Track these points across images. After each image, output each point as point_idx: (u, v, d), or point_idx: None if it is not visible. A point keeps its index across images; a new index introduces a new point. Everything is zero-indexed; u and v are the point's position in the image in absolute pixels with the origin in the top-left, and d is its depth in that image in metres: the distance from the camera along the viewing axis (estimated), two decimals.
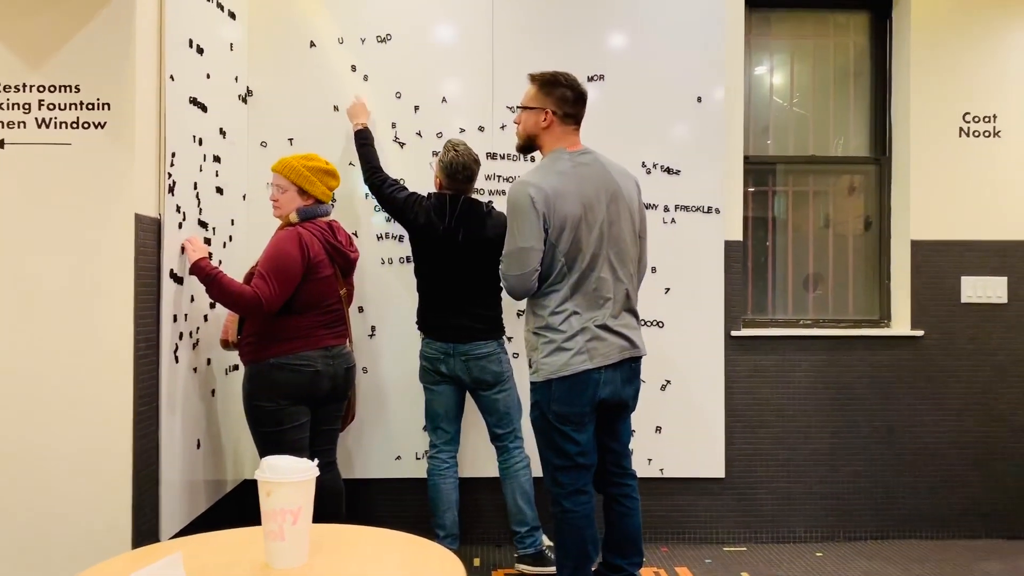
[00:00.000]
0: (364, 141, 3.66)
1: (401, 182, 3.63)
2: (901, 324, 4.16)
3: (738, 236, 4.04)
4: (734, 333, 4.03)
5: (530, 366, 2.85)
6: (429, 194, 3.52)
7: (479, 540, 3.96)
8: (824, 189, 4.38)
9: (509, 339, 3.73)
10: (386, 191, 3.53)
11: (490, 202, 3.56)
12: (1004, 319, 4.12)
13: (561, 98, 2.84)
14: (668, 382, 3.98)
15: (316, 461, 1.62)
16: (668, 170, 3.96)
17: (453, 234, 3.39)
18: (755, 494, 4.06)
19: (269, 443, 3.00)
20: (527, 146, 2.95)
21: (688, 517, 4.03)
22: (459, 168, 3.43)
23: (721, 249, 4.00)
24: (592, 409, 2.78)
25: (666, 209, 3.98)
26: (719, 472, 4.02)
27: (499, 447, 3.58)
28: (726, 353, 4.02)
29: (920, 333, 4.09)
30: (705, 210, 3.99)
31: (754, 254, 4.31)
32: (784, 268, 4.34)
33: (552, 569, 3.45)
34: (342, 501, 3.28)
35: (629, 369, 2.88)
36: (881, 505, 4.10)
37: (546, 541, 3.58)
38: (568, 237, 2.74)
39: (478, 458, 3.93)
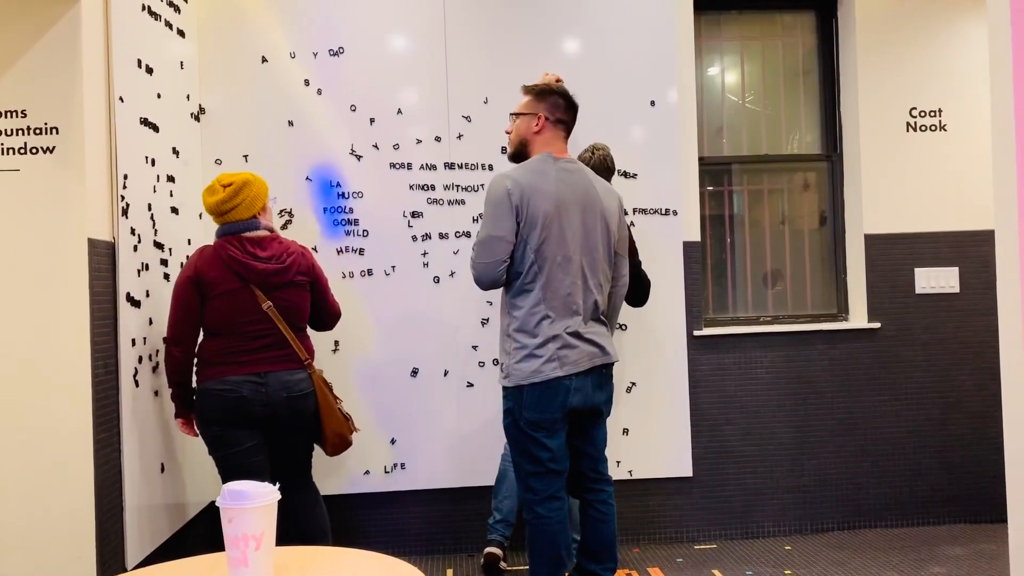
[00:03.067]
0: None
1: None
2: (858, 317, 4.24)
3: (696, 236, 4.09)
4: (696, 333, 4.07)
5: (501, 370, 2.86)
6: None
7: (452, 551, 3.96)
8: (779, 187, 4.45)
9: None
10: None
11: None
12: (958, 308, 4.22)
13: (553, 104, 2.92)
14: (633, 384, 4.01)
15: (277, 485, 1.61)
16: (625, 174, 4.00)
17: None
18: (723, 491, 4.11)
19: (221, 467, 2.96)
20: (518, 153, 2.98)
21: (658, 517, 4.07)
22: (595, 167, 3.42)
23: (680, 250, 4.04)
24: (564, 416, 2.79)
25: (624, 212, 4.00)
26: (687, 471, 4.06)
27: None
28: (689, 353, 4.06)
29: (877, 325, 4.17)
30: (663, 212, 4.03)
31: (713, 253, 4.37)
32: (743, 266, 4.40)
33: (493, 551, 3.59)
34: (324, 520, 3.14)
35: (600, 375, 2.89)
36: (846, 496, 4.17)
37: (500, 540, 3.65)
38: (539, 235, 2.75)
39: (447, 468, 3.93)
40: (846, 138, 4.32)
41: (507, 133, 3.04)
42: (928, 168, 4.20)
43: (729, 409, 4.12)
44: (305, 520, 3.10)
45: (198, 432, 3.02)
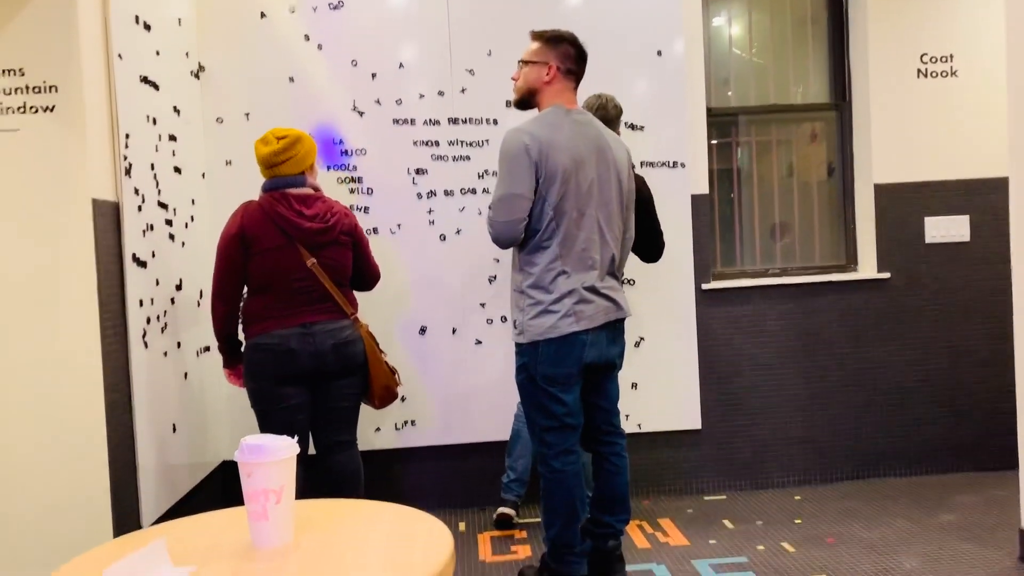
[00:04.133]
0: None
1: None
2: (867, 268, 4.22)
3: (704, 189, 4.05)
4: (704, 286, 4.05)
5: (514, 327, 2.83)
6: None
7: (463, 505, 3.99)
8: (787, 138, 4.40)
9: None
10: None
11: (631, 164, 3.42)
12: (967, 257, 4.19)
13: (564, 54, 2.84)
14: (642, 339, 4.00)
15: (296, 439, 1.60)
16: (632, 126, 3.94)
17: None
18: (732, 443, 4.12)
19: (264, 422, 2.97)
20: (524, 101, 2.90)
21: (668, 470, 4.09)
22: (596, 109, 3.37)
23: (688, 203, 4.00)
24: (579, 370, 2.78)
25: (632, 166, 3.95)
26: (696, 424, 4.06)
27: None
28: (697, 306, 4.04)
29: (886, 275, 4.14)
30: (671, 165, 3.98)
31: (720, 206, 4.33)
32: (750, 219, 4.36)
33: (505, 511, 3.65)
34: (359, 482, 3.15)
35: (613, 330, 2.88)
36: (856, 447, 4.18)
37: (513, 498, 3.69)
38: (559, 190, 2.70)
39: (457, 424, 3.94)
40: (855, 86, 4.26)
41: (513, 80, 2.93)
42: (939, 115, 4.13)
43: (738, 362, 4.11)
44: (344, 484, 3.09)
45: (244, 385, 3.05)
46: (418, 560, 1.50)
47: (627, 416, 3.98)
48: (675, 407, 4.05)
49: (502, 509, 3.62)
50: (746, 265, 4.35)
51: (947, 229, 4.16)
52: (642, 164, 3.95)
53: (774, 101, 4.35)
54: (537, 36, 2.89)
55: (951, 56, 4.12)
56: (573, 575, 2.84)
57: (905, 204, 4.15)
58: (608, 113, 3.41)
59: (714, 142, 4.29)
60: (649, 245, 3.46)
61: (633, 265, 3.95)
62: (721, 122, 4.31)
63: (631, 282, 3.97)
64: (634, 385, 3.99)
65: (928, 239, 4.16)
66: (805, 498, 3.97)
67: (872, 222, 4.16)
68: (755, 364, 4.12)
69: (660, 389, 4.02)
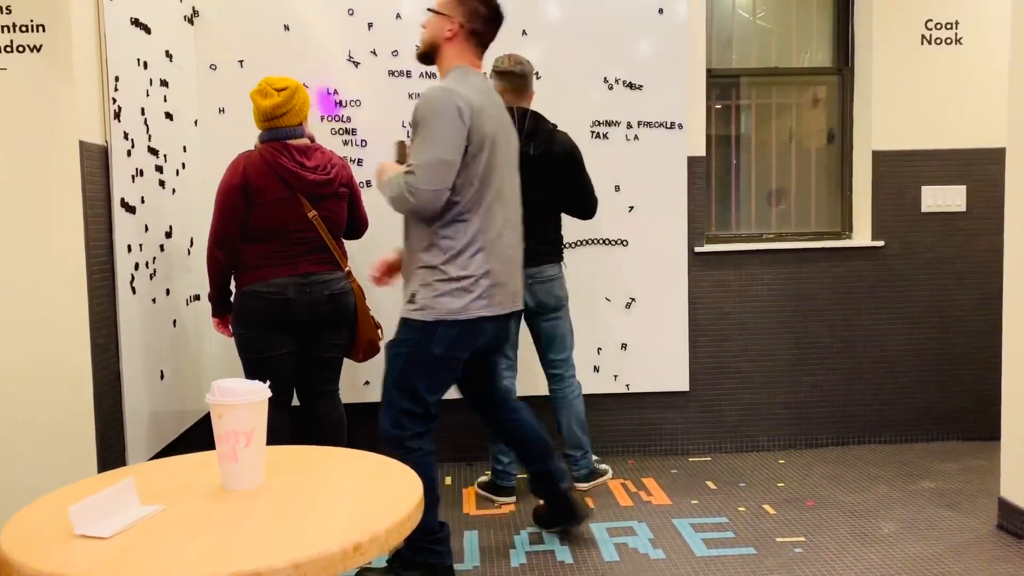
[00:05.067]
0: None
1: None
2: (862, 235, 4.20)
3: (701, 152, 4.02)
4: (697, 249, 4.04)
5: (412, 301, 2.58)
6: None
7: (449, 459, 4.02)
8: (787, 102, 4.35)
9: (565, 266, 3.58)
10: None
11: (554, 124, 3.39)
12: (963, 227, 4.17)
13: (472, 11, 2.59)
14: (633, 300, 4.00)
15: (268, 383, 1.60)
16: (631, 85, 3.90)
17: (524, 149, 3.12)
18: (719, 406, 4.14)
19: (251, 370, 3.01)
20: (426, 54, 2.67)
21: (654, 430, 4.11)
22: (504, 61, 3.31)
23: (684, 165, 3.98)
24: (468, 357, 2.66)
25: (628, 126, 3.94)
26: (684, 386, 4.08)
27: (554, 375, 3.53)
28: (689, 269, 4.04)
29: (880, 244, 4.13)
30: (668, 126, 3.95)
31: (717, 169, 4.30)
32: (748, 183, 4.34)
33: (606, 477, 3.64)
34: (342, 430, 3.21)
35: (516, 320, 2.86)
36: (842, 413, 4.20)
37: (594, 458, 3.66)
38: (484, 160, 2.53)
39: None
40: (858, 51, 4.20)
41: (422, 28, 2.68)
42: (941, 83, 4.08)
43: (728, 326, 4.12)
44: (329, 431, 3.16)
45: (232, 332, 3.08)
46: (388, 506, 1.51)
47: (615, 376, 4.01)
48: (664, 368, 4.06)
49: (503, 500, 3.52)
50: (741, 229, 4.33)
51: (943, 198, 4.14)
52: (639, 123, 3.92)
53: (776, 64, 4.29)
54: None
55: (956, 23, 4.06)
56: (444, 564, 2.68)
57: (903, 172, 4.12)
58: (525, 68, 3.35)
59: (715, 105, 4.24)
60: (583, 203, 3.47)
61: (628, 226, 3.96)
62: (722, 83, 4.26)
63: (624, 243, 3.96)
64: (623, 346, 4.00)
65: (924, 208, 4.14)
66: (789, 462, 4.00)
67: (869, 189, 4.14)
68: (745, 328, 4.13)
69: (649, 350, 4.03)
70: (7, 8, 2.60)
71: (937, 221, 4.15)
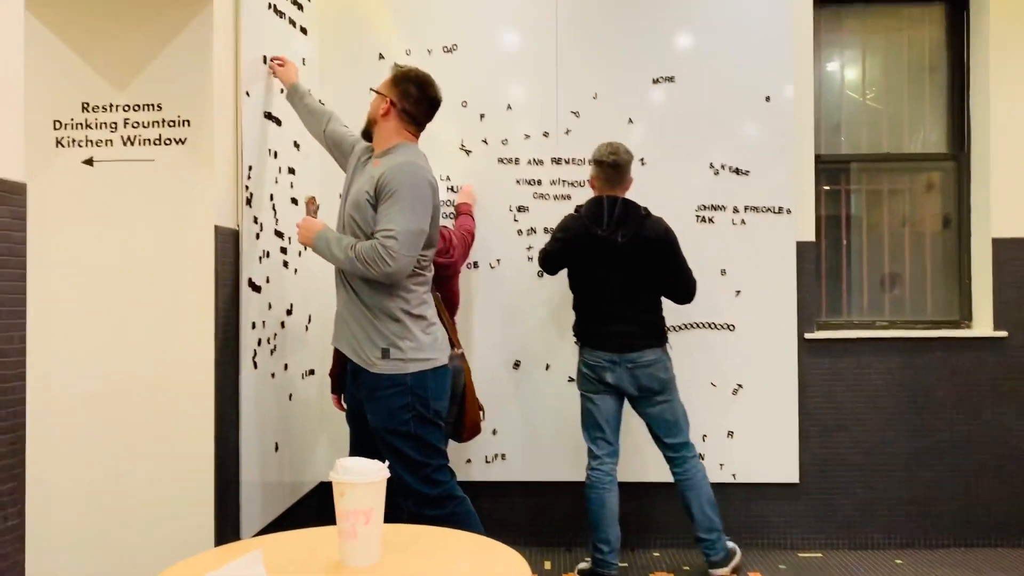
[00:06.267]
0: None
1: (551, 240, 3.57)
2: (983, 325, 4.02)
3: (810, 236, 3.97)
4: (808, 336, 3.96)
5: (384, 356, 2.66)
6: (578, 206, 3.50)
7: (548, 543, 3.98)
8: (900, 187, 4.27)
9: (671, 347, 3.57)
10: (545, 250, 3.57)
11: (646, 208, 3.45)
12: None
13: (404, 92, 2.79)
14: (740, 386, 3.93)
15: (387, 463, 1.66)
16: (737, 170, 3.92)
17: (612, 236, 3.33)
18: (831, 499, 3.98)
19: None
20: (366, 130, 2.89)
21: (762, 523, 3.97)
22: (606, 153, 3.40)
23: (793, 250, 3.93)
24: None
25: (735, 210, 3.94)
26: (793, 477, 3.95)
27: (673, 458, 3.47)
28: (800, 356, 3.95)
29: (1004, 334, 3.94)
30: (776, 210, 3.93)
31: (828, 254, 4.23)
32: (859, 268, 4.25)
33: (739, 555, 3.55)
34: None
35: None
36: (964, 513, 3.97)
37: (728, 541, 3.57)
38: (434, 231, 2.75)
39: (546, 461, 3.95)
40: (975, 136, 4.11)
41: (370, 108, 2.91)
42: None
43: (840, 415, 3.98)
44: None
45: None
46: None
47: (721, 465, 3.92)
48: (772, 458, 3.95)
49: None
50: (852, 316, 4.22)
51: None
52: (745, 208, 3.92)
53: (887, 149, 4.24)
54: (392, 70, 2.89)
55: None
56: None
57: None
58: (620, 159, 3.41)
59: (824, 189, 4.21)
60: (678, 287, 3.47)
61: (734, 310, 3.92)
62: (831, 169, 4.23)
63: (731, 327, 3.92)
64: (730, 433, 3.92)
65: None
66: (907, 562, 3.79)
67: (989, 277, 3.98)
68: (858, 419, 3.98)
69: (757, 439, 3.93)
70: (158, 105, 2.85)
71: None
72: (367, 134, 2.89)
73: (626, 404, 3.52)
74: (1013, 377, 3.95)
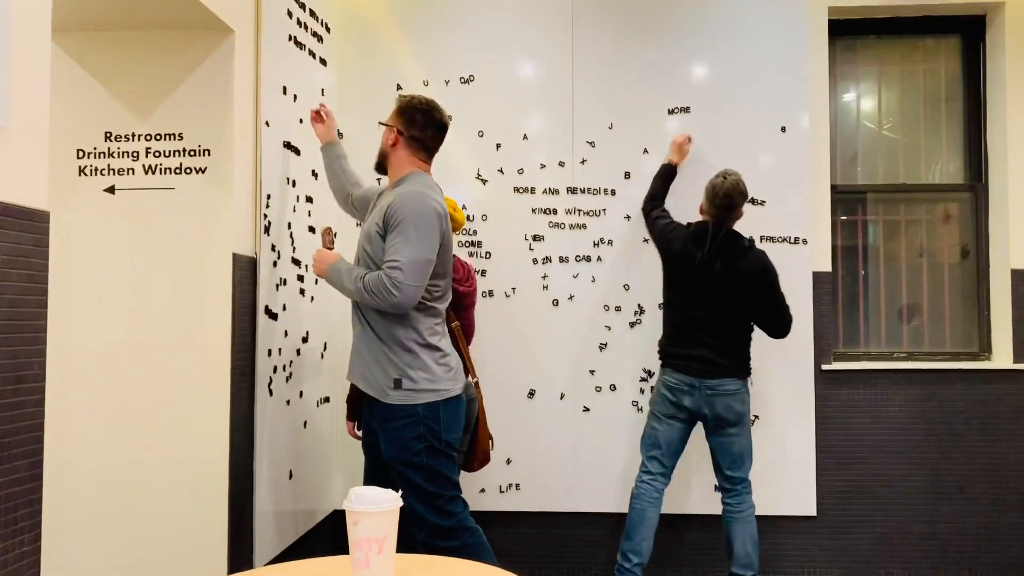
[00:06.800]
0: (664, 174, 3.80)
1: (667, 213, 3.70)
2: (1003, 357, 3.98)
3: (827, 267, 3.96)
4: (824, 367, 3.93)
5: (396, 387, 2.65)
6: (689, 223, 3.56)
7: (564, 574, 3.94)
8: (917, 218, 4.26)
9: (752, 383, 3.57)
10: (653, 215, 3.68)
11: (751, 239, 3.49)
12: None
13: (410, 120, 2.82)
14: (756, 417, 3.90)
15: (400, 492, 1.66)
16: (753, 200, 3.92)
17: (710, 263, 3.36)
18: (849, 533, 3.93)
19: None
20: (378, 163, 2.93)
21: (779, 555, 3.92)
22: (720, 194, 3.40)
23: (809, 280, 3.92)
24: None
25: (751, 240, 3.93)
26: (811, 510, 3.90)
27: (729, 490, 3.46)
28: (816, 387, 3.92)
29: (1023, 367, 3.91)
30: (792, 240, 3.93)
31: (845, 285, 4.21)
32: (876, 299, 4.22)
33: None
34: None
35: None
36: (985, 548, 3.90)
37: None
38: (445, 259, 2.75)
39: (561, 491, 3.93)
40: (992, 167, 4.10)
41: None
42: None
43: (858, 448, 3.94)
44: None
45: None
46: None
47: None
48: (790, 491, 3.90)
49: None
50: (870, 347, 4.19)
51: None
52: (762, 238, 3.91)
53: (904, 179, 4.23)
54: (396, 101, 2.91)
55: None
56: None
57: None
58: (735, 201, 3.41)
59: (841, 219, 4.20)
60: (772, 321, 3.47)
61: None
62: (847, 199, 4.22)
63: None
64: None
65: None
66: None
67: (1008, 309, 3.95)
68: (877, 451, 3.94)
69: (774, 471, 3.89)
70: (179, 135, 2.90)
71: None
72: (380, 167, 2.93)
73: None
74: None
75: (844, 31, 4.19)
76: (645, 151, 3.96)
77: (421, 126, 2.82)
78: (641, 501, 3.46)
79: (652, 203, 3.73)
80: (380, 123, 2.93)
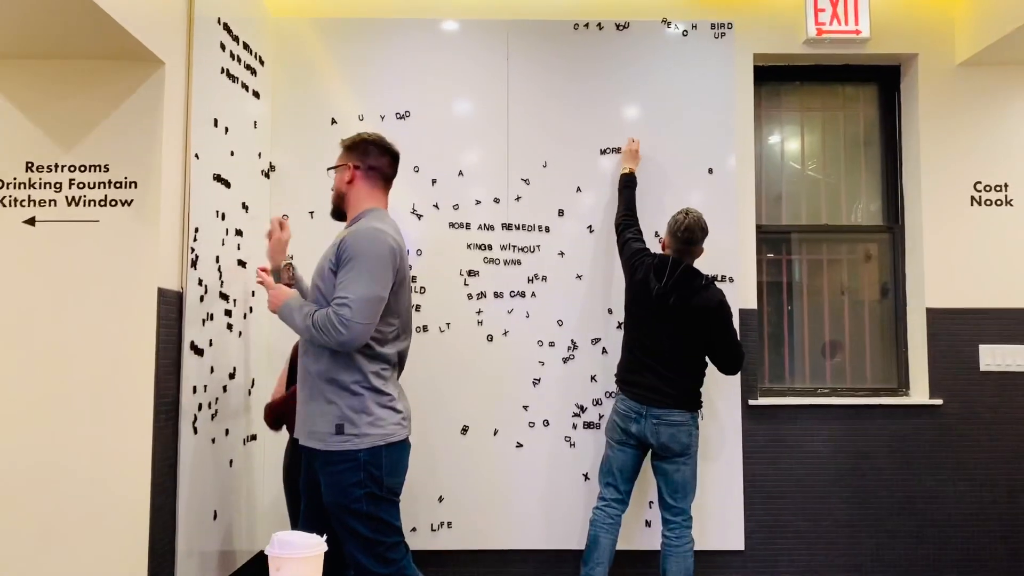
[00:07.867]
0: (627, 184, 3.83)
1: (640, 235, 3.73)
2: (920, 393, 4.13)
3: (752, 304, 4.06)
4: (751, 402, 4.01)
5: (338, 432, 2.55)
6: (655, 254, 3.59)
7: None
8: (839, 257, 4.41)
9: (701, 417, 3.64)
10: (626, 236, 3.69)
11: (711, 277, 3.56)
12: None
13: (364, 152, 2.79)
14: None
15: (324, 536, 1.63)
16: None
17: (665, 297, 3.42)
18: (775, 566, 3.99)
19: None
20: (336, 208, 2.84)
21: None
22: (681, 228, 3.46)
23: (736, 317, 4.00)
24: None
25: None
26: (739, 544, 3.96)
27: (670, 521, 3.49)
28: (743, 423, 4.00)
29: (939, 402, 4.05)
30: (719, 279, 4.02)
31: (770, 322, 4.32)
32: (800, 336, 4.34)
33: None
34: None
35: None
36: None
37: None
38: (401, 297, 2.69)
39: (494, 529, 3.91)
40: (908, 210, 4.28)
41: (331, 191, 2.87)
42: (994, 243, 4.11)
43: (784, 482, 4.02)
44: None
45: None
46: None
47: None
48: (717, 525, 3.96)
49: None
50: (795, 383, 4.30)
51: (1003, 358, 4.07)
52: None
53: (826, 220, 4.38)
54: (342, 144, 2.86)
55: (1006, 185, 4.13)
56: None
57: (958, 330, 4.09)
58: (695, 235, 3.49)
59: (766, 257, 4.32)
60: (723, 358, 3.54)
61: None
62: (772, 239, 4.35)
63: None
64: None
65: (983, 367, 4.07)
66: None
67: (925, 346, 4.10)
68: (802, 485, 4.03)
69: (702, 506, 3.93)
70: (105, 167, 2.84)
71: (997, 380, 4.07)
72: (338, 212, 2.85)
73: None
74: (949, 444, 4.05)
75: (769, 77, 4.34)
76: (579, 189, 4.03)
77: (377, 155, 2.80)
78: (595, 527, 3.52)
79: (627, 219, 3.78)
80: (329, 168, 2.88)
